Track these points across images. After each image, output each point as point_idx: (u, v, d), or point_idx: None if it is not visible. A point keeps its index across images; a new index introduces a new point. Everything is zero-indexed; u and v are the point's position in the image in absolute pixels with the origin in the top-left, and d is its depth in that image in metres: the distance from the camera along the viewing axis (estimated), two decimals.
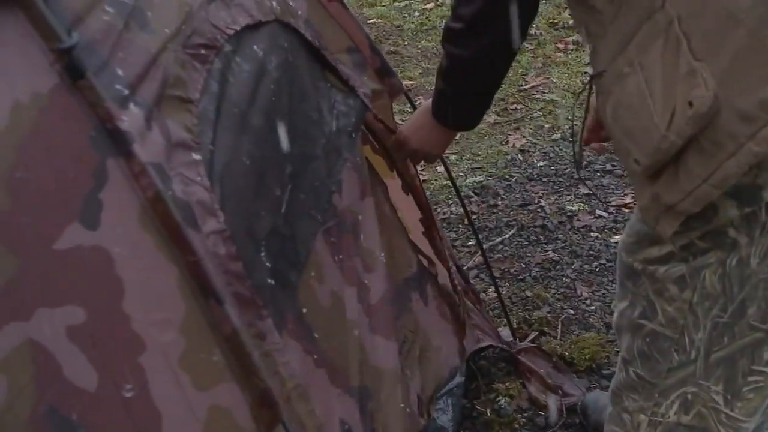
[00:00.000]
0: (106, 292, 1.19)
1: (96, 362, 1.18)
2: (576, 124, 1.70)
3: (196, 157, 1.31)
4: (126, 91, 1.23)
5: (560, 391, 2.23)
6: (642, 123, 1.26)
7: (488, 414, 2.19)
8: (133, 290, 1.20)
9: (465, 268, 2.56)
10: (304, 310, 1.45)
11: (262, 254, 1.37)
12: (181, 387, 1.23)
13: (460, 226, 2.92)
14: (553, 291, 2.61)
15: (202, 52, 1.43)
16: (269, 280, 1.37)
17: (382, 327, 1.80)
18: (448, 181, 3.13)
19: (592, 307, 2.54)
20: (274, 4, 1.65)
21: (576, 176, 2.00)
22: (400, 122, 2.02)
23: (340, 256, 1.66)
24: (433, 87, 1.72)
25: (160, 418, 1.22)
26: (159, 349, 1.22)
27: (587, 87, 1.52)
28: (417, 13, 4.66)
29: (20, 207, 1.14)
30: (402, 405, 1.83)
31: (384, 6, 4.75)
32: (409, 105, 2.20)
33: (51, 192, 1.16)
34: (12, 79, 1.15)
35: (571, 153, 3.34)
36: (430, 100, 1.74)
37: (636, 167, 1.29)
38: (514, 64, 3.99)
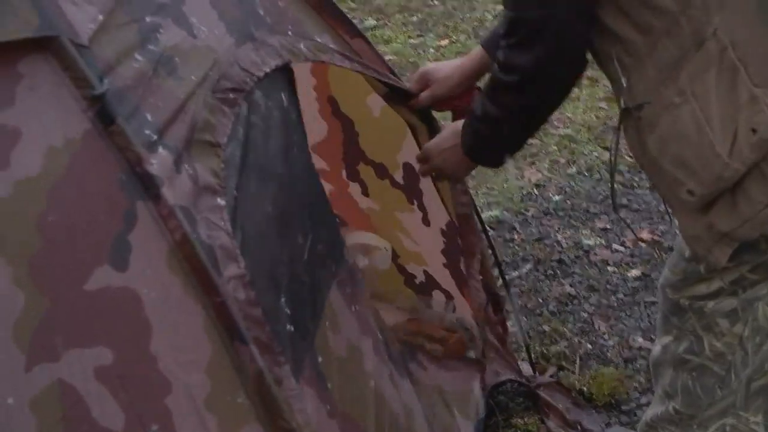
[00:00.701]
0: (134, 333, 1.20)
1: (123, 403, 1.19)
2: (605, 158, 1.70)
3: (221, 202, 1.32)
4: (155, 136, 1.25)
5: (579, 427, 2.21)
6: (699, 152, 1.25)
7: None
8: (161, 331, 1.21)
9: None
10: (320, 359, 1.44)
11: (282, 300, 1.36)
12: (206, 429, 1.23)
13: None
14: (570, 325, 2.60)
15: (231, 96, 1.44)
16: (288, 327, 1.36)
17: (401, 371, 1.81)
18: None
19: (610, 342, 2.52)
20: (303, 45, 1.68)
21: (613, 208, 2.01)
22: None
23: (356, 307, 1.66)
24: (467, 126, 1.63)
25: None
26: (185, 390, 1.22)
27: (620, 121, 1.49)
28: (432, 50, 4.69)
29: (52, 249, 1.16)
30: None
31: (399, 43, 4.78)
32: None
33: (82, 234, 1.18)
34: (46, 124, 1.17)
35: (587, 188, 3.34)
36: (460, 123, 1.67)
37: (689, 198, 1.28)
38: None
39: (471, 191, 3.33)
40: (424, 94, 1.91)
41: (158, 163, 1.22)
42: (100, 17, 1.26)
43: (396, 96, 1.98)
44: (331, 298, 1.56)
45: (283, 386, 1.28)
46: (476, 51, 1.86)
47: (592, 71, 3.99)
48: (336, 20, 1.89)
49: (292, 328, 1.37)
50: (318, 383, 1.43)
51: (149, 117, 1.26)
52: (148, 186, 1.20)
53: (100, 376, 1.17)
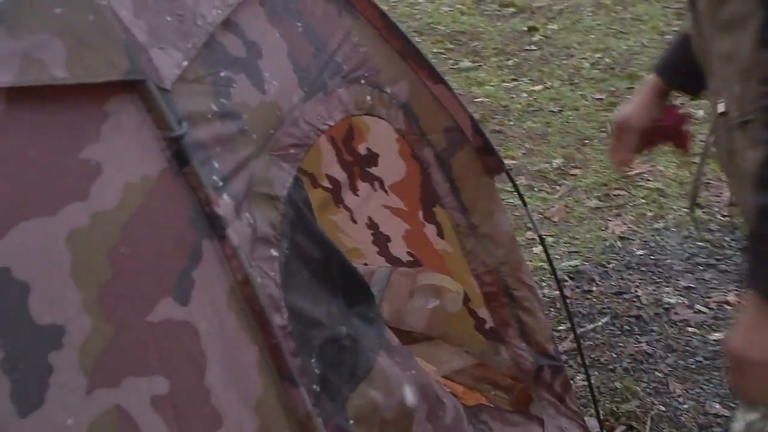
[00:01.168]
0: (191, 365, 1.23)
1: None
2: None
3: (275, 253, 1.37)
4: (221, 183, 1.29)
5: None
6: None
7: None
8: (216, 366, 1.24)
9: None
10: (351, 422, 1.44)
11: (313, 361, 1.38)
12: None
13: (552, 309, 2.88)
14: (644, 384, 2.53)
15: (291, 151, 1.49)
16: (314, 386, 1.38)
17: None
18: (543, 263, 3.10)
19: (685, 406, 2.44)
20: (368, 97, 1.71)
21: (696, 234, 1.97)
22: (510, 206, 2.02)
23: (413, 372, 1.65)
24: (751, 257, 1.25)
25: None
26: (235, 425, 1.25)
27: (712, 136, 1.41)
28: (524, 95, 4.67)
29: (120, 279, 1.20)
30: None
31: (492, 86, 4.78)
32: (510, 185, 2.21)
33: (149, 267, 1.22)
34: (126, 161, 1.23)
35: (673, 244, 3.26)
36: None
37: None
38: None
39: (551, 239, 3.34)
40: (627, 142, 1.86)
41: (224, 206, 1.27)
42: (185, 63, 1.31)
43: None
44: (381, 363, 1.56)
45: None
46: (651, 80, 1.82)
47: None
48: (419, 66, 1.90)
49: (318, 389, 1.38)
50: None
51: (216, 165, 1.30)
52: (215, 226, 1.24)
53: (155, 404, 1.21)
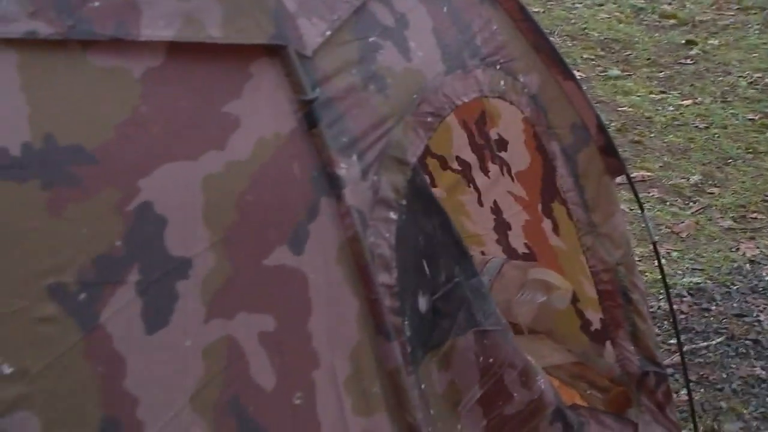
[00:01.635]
0: (297, 309, 1.37)
1: (277, 367, 1.36)
2: None
3: (393, 216, 1.48)
4: (351, 143, 1.41)
5: None
6: None
7: None
8: (319, 313, 1.37)
9: None
10: (423, 385, 1.52)
11: (406, 322, 1.47)
12: (342, 407, 1.38)
13: (665, 323, 2.87)
14: (752, 408, 2.52)
15: (428, 119, 1.59)
16: (407, 346, 1.46)
17: None
18: (660, 277, 3.10)
19: None
20: (503, 82, 1.79)
21: None
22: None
23: (490, 360, 1.70)
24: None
25: (320, 429, 1.37)
26: (330, 369, 1.38)
27: None
28: (671, 108, 4.61)
29: (244, 224, 1.35)
30: None
31: (638, 96, 4.75)
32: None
33: (270, 216, 1.36)
34: (261, 118, 1.37)
35: None
36: None
37: None
38: (764, 172, 3.83)
39: (676, 254, 3.31)
40: None
41: (348, 167, 1.39)
42: (328, 33, 1.44)
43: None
44: (460, 344, 1.63)
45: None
46: None
47: None
48: (551, 61, 1.98)
49: (409, 349, 1.47)
50: (423, 404, 1.52)
51: (350, 125, 1.43)
52: (334, 186, 1.37)
53: (262, 339, 1.35)
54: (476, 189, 2.62)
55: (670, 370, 2.64)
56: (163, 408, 1.33)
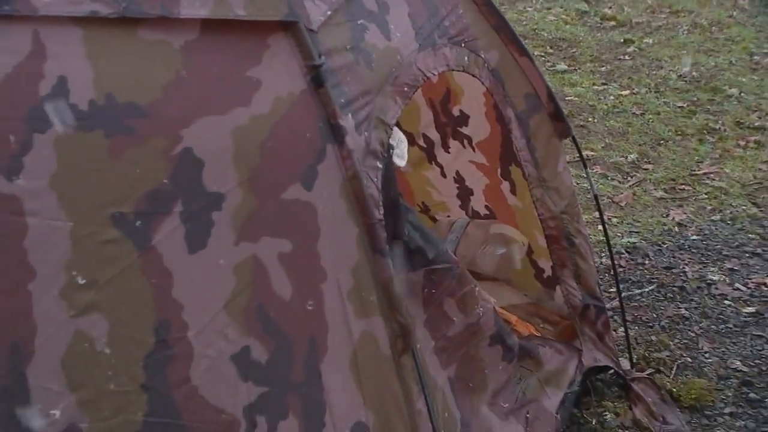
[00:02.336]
0: (308, 234, 1.55)
1: (293, 281, 1.54)
2: None
3: (379, 165, 1.67)
4: (346, 104, 1.61)
5: (662, 419, 2.38)
6: None
7: (593, 424, 2.37)
8: (326, 237, 1.55)
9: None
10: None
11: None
12: (345, 312, 1.56)
13: (606, 275, 3.10)
14: (676, 341, 2.74)
15: (405, 89, 1.80)
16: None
17: None
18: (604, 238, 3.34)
19: (710, 360, 2.65)
20: (467, 58, 2.00)
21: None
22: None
23: (433, 291, 1.86)
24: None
25: (327, 330, 1.56)
26: (336, 282, 1.56)
27: None
28: (612, 97, 4.85)
29: (265, 165, 1.52)
30: None
31: (583, 88, 4.98)
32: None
33: (287, 159, 1.54)
34: (278, 80, 1.55)
35: (725, 233, 3.43)
36: None
37: None
38: (691, 151, 4.09)
39: (616, 219, 3.56)
40: None
41: (346, 121, 1.59)
42: (329, 13, 1.64)
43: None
44: (410, 278, 1.80)
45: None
46: None
47: (761, 136, 4.05)
48: (509, 39, 2.17)
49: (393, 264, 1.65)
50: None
51: (346, 90, 1.62)
52: (337, 134, 1.55)
53: (281, 259, 1.53)
54: (438, 165, 2.82)
55: (610, 313, 2.89)
56: (203, 312, 1.49)
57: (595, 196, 2.50)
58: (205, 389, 1.52)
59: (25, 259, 1.46)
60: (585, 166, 2.43)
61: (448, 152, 2.74)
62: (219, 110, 1.51)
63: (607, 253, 3.24)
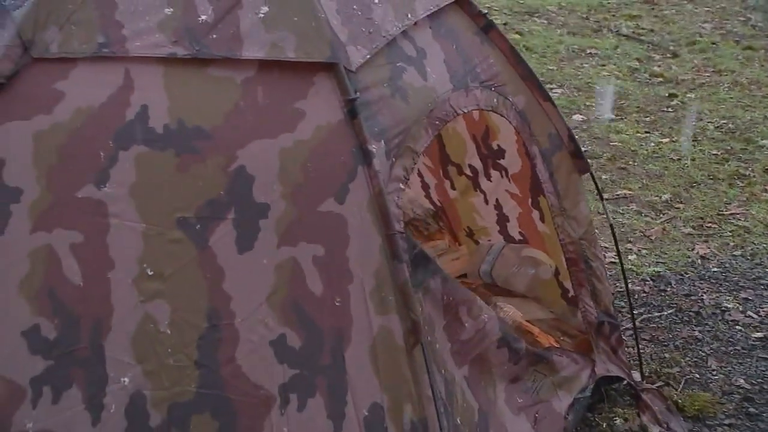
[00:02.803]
0: (339, 241, 1.58)
1: (324, 280, 1.57)
2: None
3: (402, 187, 1.69)
4: (379, 133, 1.64)
5: (666, 426, 2.28)
6: None
7: (604, 426, 2.30)
8: (354, 244, 1.58)
9: (622, 328, 2.64)
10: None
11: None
12: (367, 309, 1.58)
13: (623, 302, 2.99)
14: (687, 359, 2.63)
15: (437, 122, 1.82)
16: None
17: None
18: (632, 266, 3.26)
19: (716, 377, 2.52)
20: (496, 100, 2.01)
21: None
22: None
23: (451, 298, 1.84)
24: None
25: (352, 324, 1.58)
26: (360, 283, 1.58)
27: None
28: (653, 144, 4.71)
29: (306, 183, 1.57)
30: None
31: (628, 135, 4.86)
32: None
33: (324, 177, 1.58)
34: (319, 111, 1.60)
35: (744, 267, 3.27)
36: None
37: None
38: (720, 194, 3.92)
39: (645, 251, 3.44)
40: None
41: (377, 147, 1.62)
42: (368, 56, 1.67)
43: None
44: (429, 286, 1.77)
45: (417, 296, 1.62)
46: None
47: None
48: (534, 86, 2.17)
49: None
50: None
51: (381, 120, 1.65)
52: (367, 157, 1.58)
53: (315, 261, 1.57)
54: (482, 191, 2.82)
55: (629, 332, 2.80)
56: (248, 304, 1.56)
57: (611, 226, 2.44)
58: (248, 368, 1.58)
59: (107, 253, 1.57)
60: (602, 199, 2.38)
61: (490, 180, 2.72)
62: (269, 135, 1.58)
63: (631, 280, 3.18)
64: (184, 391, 1.56)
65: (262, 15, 1.59)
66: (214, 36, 1.59)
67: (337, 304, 1.58)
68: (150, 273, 1.55)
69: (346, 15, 1.68)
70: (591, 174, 2.29)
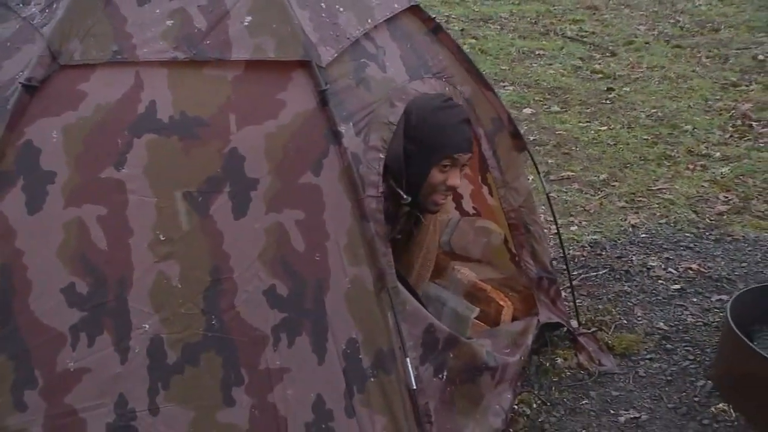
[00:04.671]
0: (316, 206, 1.76)
1: (305, 238, 1.75)
2: None
3: (381, 156, 1.86)
4: (347, 116, 1.82)
5: (598, 361, 2.54)
6: None
7: (547, 365, 2.54)
8: (329, 209, 1.76)
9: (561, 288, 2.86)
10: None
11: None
12: (342, 262, 1.76)
13: (571, 263, 3.22)
14: (618, 309, 2.87)
15: (403, 97, 1.99)
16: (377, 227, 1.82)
17: None
18: (573, 236, 3.51)
19: (641, 322, 2.78)
20: (447, 88, 2.22)
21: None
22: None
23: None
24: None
25: (330, 274, 1.76)
26: (336, 241, 1.76)
27: None
28: (592, 132, 4.98)
29: (286, 160, 1.75)
30: None
31: (571, 125, 5.12)
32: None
33: (301, 156, 1.76)
34: (297, 101, 1.77)
35: (668, 233, 3.55)
36: None
37: None
38: (650, 172, 4.18)
39: (585, 222, 3.71)
40: None
41: (345, 129, 1.81)
42: (335, 55, 1.85)
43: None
44: None
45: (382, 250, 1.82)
46: None
47: (706, 161, 4.12)
48: (477, 79, 2.37)
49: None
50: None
51: (348, 106, 1.83)
52: (337, 137, 1.76)
53: (297, 224, 1.75)
54: None
55: (569, 289, 3.05)
56: (244, 260, 1.73)
57: (547, 196, 2.69)
58: (245, 314, 1.75)
59: (127, 223, 1.74)
60: (538, 172, 2.62)
61: None
62: (256, 121, 1.76)
63: (572, 247, 3.44)
64: (193, 334, 1.75)
65: (247, 23, 1.79)
66: (208, 42, 1.77)
67: (317, 258, 1.76)
68: (162, 238, 1.72)
69: (316, 22, 1.87)
70: (528, 151, 2.53)
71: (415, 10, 2.30)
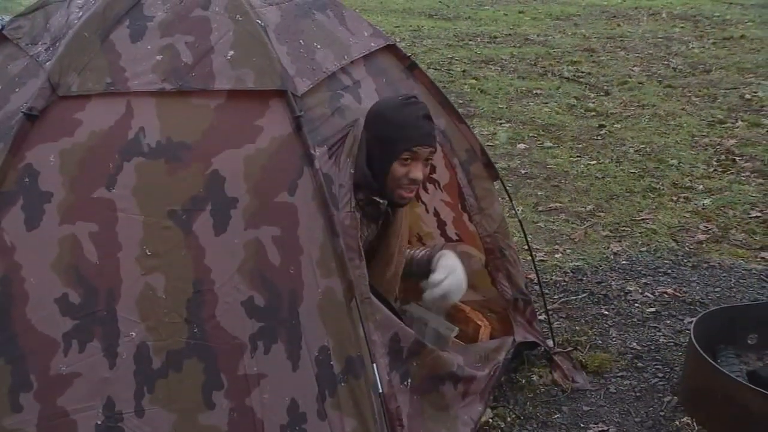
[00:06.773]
0: (290, 223, 1.85)
1: (281, 253, 1.84)
2: None
3: (352, 171, 1.95)
4: (322, 141, 1.95)
5: (572, 379, 2.60)
6: None
7: (522, 382, 2.60)
8: (303, 225, 1.85)
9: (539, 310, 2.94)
10: None
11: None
12: (315, 274, 1.84)
13: (553, 288, 3.32)
14: (594, 330, 2.94)
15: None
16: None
17: None
18: (556, 263, 3.59)
19: (615, 342, 2.85)
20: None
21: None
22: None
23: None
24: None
25: (303, 286, 1.84)
26: (309, 255, 1.85)
27: None
28: (582, 166, 5.09)
29: (263, 180, 1.85)
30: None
31: (562, 159, 5.23)
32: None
33: (277, 176, 1.86)
34: (274, 126, 1.88)
35: (648, 260, 3.62)
36: None
37: None
38: (635, 203, 4.29)
39: (570, 250, 3.79)
40: None
41: (319, 152, 1.91)
42: (311, 85, 1.98)
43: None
44: None
45: (352, 263, 1.92)
46: None
47: (689, 194, 4.23)
48: (451, 111, 2.50)
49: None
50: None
51: (322, 132, 1.95)
52: (311, 160, 1.87)
53: (274, 239, 1.84)
54: (423, 203, 3.13)
55: (550, 313, 3.12)
56: (224, 273, 1.82)
57: (520, 222, 2.79)
58: (225, 323, 1.84)
59: (117, 239, 1.85)
60: (510, 200, 2.73)
61: (428, 192, 3.05)
62: (236, 145, 1.87)
63: (555, 273, 3.52)
64: (177, 341, 1.84)
65: (229, 57, 1.93)
66: (193, 74, 1.90)
67: (291, 271, 1.84)
68: (149, 253, 1.82)
69: (294, 56, 2.02)
70: (501, 180, 2.64)
71: (391, 49, 2.45)
